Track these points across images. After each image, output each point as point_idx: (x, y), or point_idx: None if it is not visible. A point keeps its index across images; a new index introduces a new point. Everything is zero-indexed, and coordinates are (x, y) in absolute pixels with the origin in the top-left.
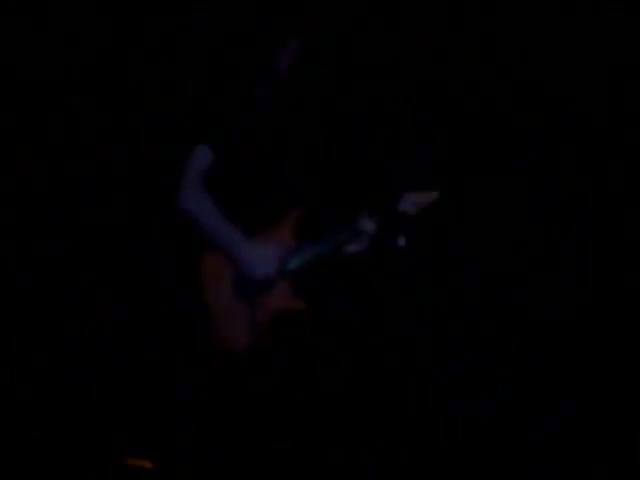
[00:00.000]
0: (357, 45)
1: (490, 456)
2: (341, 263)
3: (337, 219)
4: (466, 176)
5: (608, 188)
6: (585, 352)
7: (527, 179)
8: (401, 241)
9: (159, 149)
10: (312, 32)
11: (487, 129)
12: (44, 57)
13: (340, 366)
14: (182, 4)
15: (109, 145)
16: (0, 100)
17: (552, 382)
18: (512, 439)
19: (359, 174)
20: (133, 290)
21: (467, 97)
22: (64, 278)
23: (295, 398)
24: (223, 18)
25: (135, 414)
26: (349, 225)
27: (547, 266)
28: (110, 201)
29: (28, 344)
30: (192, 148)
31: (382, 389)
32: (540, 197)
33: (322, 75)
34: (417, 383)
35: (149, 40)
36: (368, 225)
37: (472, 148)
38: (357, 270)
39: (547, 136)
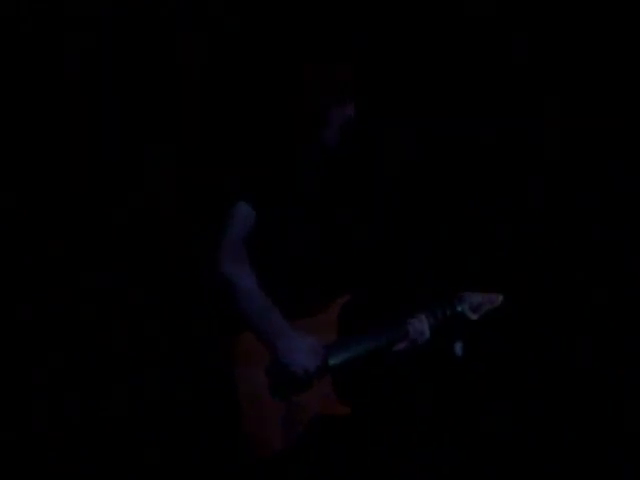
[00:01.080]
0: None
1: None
2: (390, 364)
3: (388, 312)
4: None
5: None
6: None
7: None
8: (458, 348)
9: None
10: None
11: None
12: None
13: None
14: None
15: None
16: None
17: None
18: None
19: (418, 265)
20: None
21: None
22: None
23: None
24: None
25: None
26: (400, 322)
27: None
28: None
29: None
30: (232, 205)
31: None
32: None
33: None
34: None
35: None
36: (422, 325)
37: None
38: (405, 375)
39: None
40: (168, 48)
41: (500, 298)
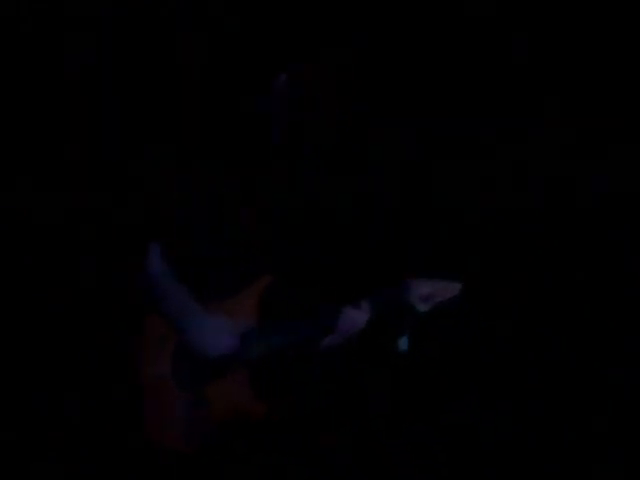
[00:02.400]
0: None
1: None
2: (317, 358)
3: (316, 298)
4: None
5: None
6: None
7: None
8: (402, 344)
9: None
10: None
11: None
12: None
13: None
14: None
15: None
16: None
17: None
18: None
19: (353, 241)
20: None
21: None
22: None
23: None
24: None
25: None
26: (330, 309)
27: None
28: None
29: None
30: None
31: None
32: None
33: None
34: None
35: None
36: (357, 315)
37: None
38: (337, 371)
39: None
40: (168, 48)
41: (458, 288)
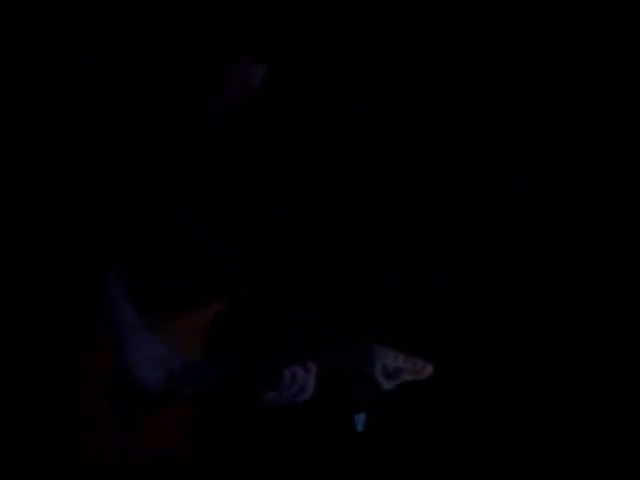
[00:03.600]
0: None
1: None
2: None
3: (272, 331)
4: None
5: None
6: None
7: None
8: (359, 422)
9: None
10: None
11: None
12: None
13: None
14: None
15: None
16: None
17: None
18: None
19: (351, 244)
20: None
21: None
22: None
23: None
24: None
25: None
26: (277, 359)
27: None
28: None
29: None
30: None
31: None
32: None
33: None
34: None
35: None
36: (306, 378)
37: None
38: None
39: None
40: (168, 48)
41: (429, 369)
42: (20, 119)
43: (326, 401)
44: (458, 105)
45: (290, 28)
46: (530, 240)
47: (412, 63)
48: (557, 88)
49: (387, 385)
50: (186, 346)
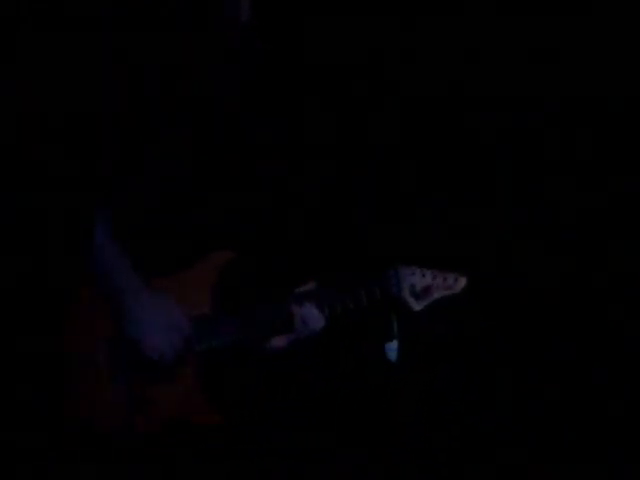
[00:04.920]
0: None
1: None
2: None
3: (279, 281)
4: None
5: None
6: None
7: None
8: (391, 352)
9: None
10: None
11: None
12: None
13: None
14: None
15: None
16: None
17: None
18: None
19: (327, 219)
20: None
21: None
22: None
23: None
24: None
25: None
26: (285, 301)
27: None
28: None
29: None
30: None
31: None
32: None
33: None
34: None
35: None
36: (311, 311)
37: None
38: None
39: None
40: (168, 48)
41: (463, 282)
42: (20, 119)
43: (356, 336)
44: (458, 105)
45: (289, 28)
46: (530, 239)
47: (412, 62)
48: (557, 89)
49: (417, 306)
50: (193, 302)
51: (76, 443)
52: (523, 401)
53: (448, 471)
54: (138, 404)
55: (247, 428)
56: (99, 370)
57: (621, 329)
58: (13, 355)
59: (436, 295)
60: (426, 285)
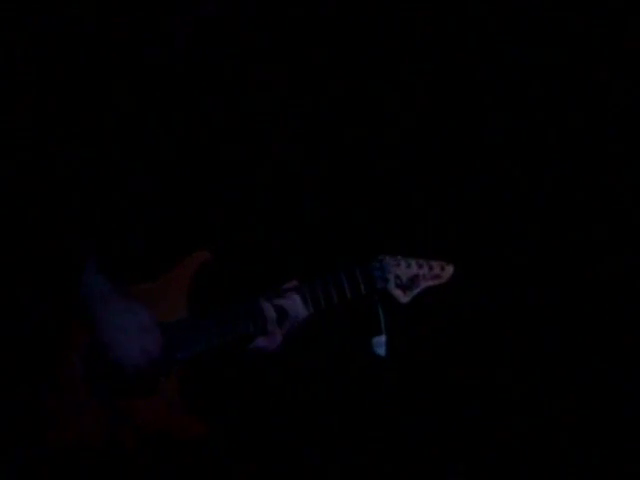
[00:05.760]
0: None
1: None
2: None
3: (256, 280)
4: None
5: None
6: None
7: None
8: (379, 345)
9: None
10: None
11: None
12: None
13: None
14: None
15: None
16: None
17: None
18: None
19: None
20: None
21: None
22: None
23: None
24: None
25: None
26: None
27: None
28: None
29: None
30: None
31: None
32: None
33: None
34: None
35: None
36: (294, 305)
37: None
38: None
39: None
40: (169, 48)
41: (450, 270)
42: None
43: (343, 332)
44: (458, 105)
45: (290, 28)
46: (530, 239)
47: (411, 62)
48: (557, 89)
49: (404, 298)
50: (170, 307)
51: (65, 468)
52: (517, 395)
53: (439, 466)
54: (122, 416)
55: (234, 434)
56: (77, 385)
57: (620, 319)
58: None
59: (423, 285)
60: (412, 275)
